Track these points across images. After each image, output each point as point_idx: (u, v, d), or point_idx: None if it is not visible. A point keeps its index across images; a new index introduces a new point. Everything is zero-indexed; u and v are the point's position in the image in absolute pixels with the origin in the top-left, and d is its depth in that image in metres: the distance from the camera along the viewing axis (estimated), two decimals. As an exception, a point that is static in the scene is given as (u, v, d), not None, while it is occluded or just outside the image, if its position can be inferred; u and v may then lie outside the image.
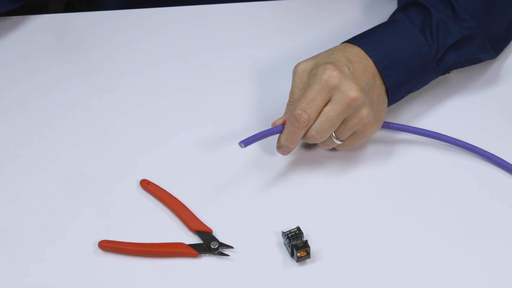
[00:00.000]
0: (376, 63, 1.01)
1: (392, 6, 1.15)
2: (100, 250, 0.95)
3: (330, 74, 0.97)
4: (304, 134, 0.99)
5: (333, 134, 1.00)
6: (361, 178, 1.03)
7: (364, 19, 1.21)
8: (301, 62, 1.01)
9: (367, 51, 1.01)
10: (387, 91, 1.02)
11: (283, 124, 1.00)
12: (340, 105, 0.97)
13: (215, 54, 1.17)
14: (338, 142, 1.01)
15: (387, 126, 1.05)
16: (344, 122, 0.98)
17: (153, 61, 1.16)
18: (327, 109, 0.97)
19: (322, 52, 1.02)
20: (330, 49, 1.03)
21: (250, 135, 0.98)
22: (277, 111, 1.05)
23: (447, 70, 1.08)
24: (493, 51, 1.11)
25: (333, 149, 1.04)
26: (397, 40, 1.03)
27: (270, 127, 1.01)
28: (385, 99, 1.02)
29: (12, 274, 0.94)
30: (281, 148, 1.01)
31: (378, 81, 1.01)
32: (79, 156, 1.04)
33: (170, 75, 1.14)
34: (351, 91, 0.97)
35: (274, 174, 1.03)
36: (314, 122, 0.97)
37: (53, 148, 1.05)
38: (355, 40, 1.03)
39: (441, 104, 1.11)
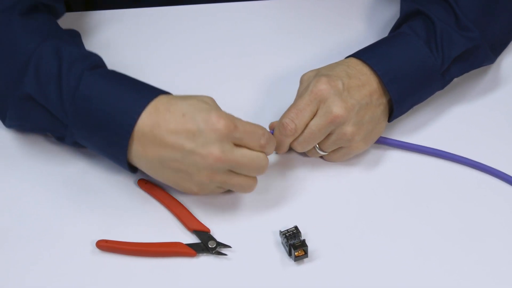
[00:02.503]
0: (381, 77, 1.01)
1: (396, 5, 1.16)
2: (97, 250, 0.95)
3: (321, 88, 0.98)
4: None
5: (317, 146, 1.01)
6: (359, 178, 1.03)
7: (369, 17, 1.21)
8: (307, 72, 1.03)
9: (371, 66, 1.01)
10: (391, 106, 1.02)
11: None
12: (323, 120, 0.98)
13: (215, 54, 1.17)
14: (321, 153, 1.02)
15: (384, 141, 1.05)
16: (328, 136, 1.00)
17: (152, 60, 1.16)
18: (311, 122, 0.98)
19: (327, 65, 1.03)
20: (335, 63, 1.03)
21: None
22: (277, 110, 1.05)
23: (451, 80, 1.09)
24: (493, 55, 1.11)
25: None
26: (402, 53, 1.03)
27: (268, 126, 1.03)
28: (380, 119, 1.02)
29: (10, 274, 0.94)
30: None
31: (376, 101, 1.01)
32: (77, 155, 1.04)
33: (169, 74, 1.14)
34: (336, 107, 0.97)
35: (271, 173, 1.03)
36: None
37: (51, 148, 1.05)
38: (359, 54, 1.03)
39: (441, 110, 1.10)
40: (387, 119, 1.04)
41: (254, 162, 0.94)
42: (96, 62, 0.99)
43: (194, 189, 0.95)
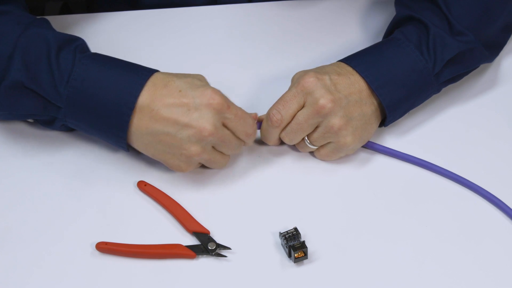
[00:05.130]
0: (370, 83, 1.01)
1: (391, 10, 1.16)
2: (97, 252, 0.95)
3: (308, 80, 0.99)
4: None
5: (307, 139, 1.01)
6: (358, 179, 1.03)
7: (364, 21, 1.21)
8: (298, 71, 1.03)
9: (360, 72, 1.02)
10: (383, 110, 1.03)
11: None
12: (309, 111, 0.99)
13: (214, 55, 1.17)
14: (312, 147, 1.02)
15: (371, 146, 1.05)
16: (316, 128, 1.01)
17: (151, 62, 1.15)
18: (298, 113, 1.00)
19: (318, 66, 1.04)
20: (327, 64, 1.04)
21: None
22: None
23: (448, 82, 1.08)
24: (491, 54, 1.11)
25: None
26: (391, 58, 1.03)
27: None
28: (371, 119, 1.02)
29: (10, 276, 0.94)
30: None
31: (366, 99, 1.01)
32: (77, 157, 1.04)
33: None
34: (322, 98, 0.98)
35: (271, 175, 1.03)
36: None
37: (50, 150, 1.05)
38: (348, 61, 1.04)
39: (436, 112, 1.10)
40: (378, 121, 1.04)
41: (234, 145, 0.99)
42: (83, 45, 1.01)
43: (182, 165, 0.98)
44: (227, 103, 0.96)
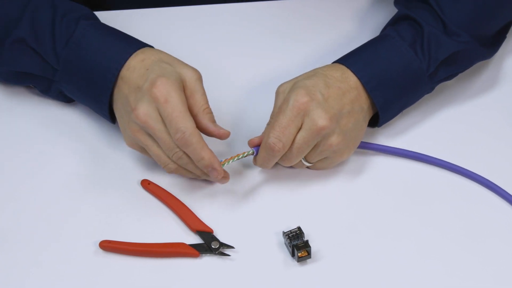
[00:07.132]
0: (365, 85, 1.00)
1: (391, 8, 1.16)
2: (100, 250, 0.95)
3: (302, 101, 0.96)
4: None
5: (303, 158, 1.00)
6: (362, 178, 1.03)
7: (361, 20, 1.22)
8: (283, 83, 1.01)
9: (355, 72, 1.01)
10: (374, 108, 1.02)
11: (259, 145, 1.00)
12: (308, 134, 0.97)
13: (214, 55, 1.17)
14: (307, 164, 1.01)
15: (365, 146, 1.05)
16: (314, 148, 0.99)
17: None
18: (297, 136, 0.97)
19: (304, 73, 1.02)
20: (313, 71, 1.02)
21: (228, 157, 0.99)
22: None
23: (441, 81, 1.08)
24: (487, 51, 1.10)
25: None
26: (386, 57, 1.02)
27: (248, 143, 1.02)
28: (363, 125, 1.01)
29: (12, 275, 0.94)
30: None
31: (358, 107, 1.00)
32: (80, 155, 1.04)
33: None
34: (320, 119, 0.96)
35: (274, 174, 1.03)
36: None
37: (54, 148, 1.05)
38: (343, 60, 1.03)
39: (431, 112, 1.10)
40: (368, 120, 1.03)
41: (167, 146, 0.96)
42: (88, 13, 1.05)
43: (126, 140, 1.00)
44: (165, 98, 0.95)
